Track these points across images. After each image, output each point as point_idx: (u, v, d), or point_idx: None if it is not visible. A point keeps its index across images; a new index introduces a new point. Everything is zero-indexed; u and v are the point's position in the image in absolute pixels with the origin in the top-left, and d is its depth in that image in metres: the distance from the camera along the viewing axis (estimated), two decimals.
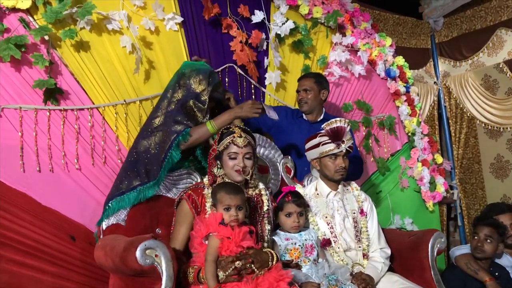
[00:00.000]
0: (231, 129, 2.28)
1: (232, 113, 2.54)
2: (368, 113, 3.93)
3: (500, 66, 4.52)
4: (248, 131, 2.31)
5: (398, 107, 4.13)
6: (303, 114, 3.24)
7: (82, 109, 2.67)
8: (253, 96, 3.34)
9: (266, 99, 3.43)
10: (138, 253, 1.84)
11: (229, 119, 2.52)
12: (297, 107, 3.36)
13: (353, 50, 3.80)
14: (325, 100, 3.27)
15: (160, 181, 2.44)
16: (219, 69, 3.19)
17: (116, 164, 2.72)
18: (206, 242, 2.04)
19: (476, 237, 2.92)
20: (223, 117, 2.53)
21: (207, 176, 2.31)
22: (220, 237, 1.99)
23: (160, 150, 2.48)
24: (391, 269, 2.68)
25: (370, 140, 3.93)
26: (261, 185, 2.41)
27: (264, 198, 2.38)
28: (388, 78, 4.06)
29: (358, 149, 3.61)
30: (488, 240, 2.88)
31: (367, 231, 2.65)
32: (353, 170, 3.05)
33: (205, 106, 2.59)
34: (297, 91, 3.26)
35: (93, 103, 2.71)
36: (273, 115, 2.55)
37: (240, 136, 2.24)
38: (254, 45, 3.29)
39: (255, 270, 1.99)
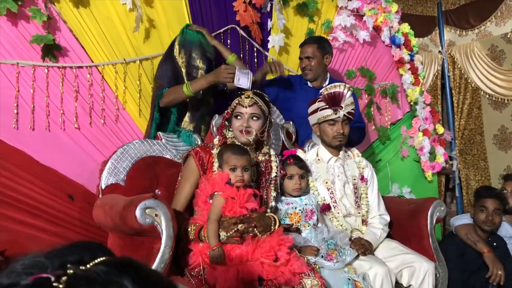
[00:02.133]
0: (243, 92, 2.25)
1: (208, 78, 2.55)
2: (371, 80, 3.88)
3: (508, 36, 4.44)
4: (261, 94, 2.27)
5: (401, 75, 4.08)
6: (308, 81, 3.18)
7: (81, 67, 2.61)
8: (255, 60, 3.28)
9: None
10: (138, 212, 1.82)
11: (205, 83, 2.53)
12: (300, 72, 3.30)
13: (358, 15, 3.72)
14: (328, 64, 3.20)
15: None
16: (221, 30, 3.11)
17: (115, 124, 2.68)
18: (211, 201, 2.03)
19: (484, 211, 2.91)
20: (199, 81, 2.56)
21: (217, 137, 2.30)
22: (225, 196, 1.99)
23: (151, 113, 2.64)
24: (389, 235, 2.69)
25: (372, 108, 3.89)
26: (272, 151, 2.39)
27: (274, 164, 2.36)
28: (393, 45, 4.00)
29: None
30: (497, 213, 2.90)
31: (366, 197, 2.64)
32: (352, 135, 3.02)
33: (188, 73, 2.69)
34: (300, 58, 3.17)
35: (92, 61, 2.65)
36: (243, 82, 2.45)
37: (247, 97, 2.20)
38: (258, 6, 3.20)
39: (258, 234, 1.99)
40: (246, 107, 2.20)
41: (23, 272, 0.50)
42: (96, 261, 0.52)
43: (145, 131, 2.73)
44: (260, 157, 2.32)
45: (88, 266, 0.51)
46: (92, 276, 0.49)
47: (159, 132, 2.54)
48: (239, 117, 2.20)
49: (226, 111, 2.30)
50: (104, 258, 0.53)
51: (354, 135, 3.12)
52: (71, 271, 0.50)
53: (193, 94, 2.54)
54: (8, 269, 0.51)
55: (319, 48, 3.12)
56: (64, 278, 0.48)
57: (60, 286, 0.48)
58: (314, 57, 3.10)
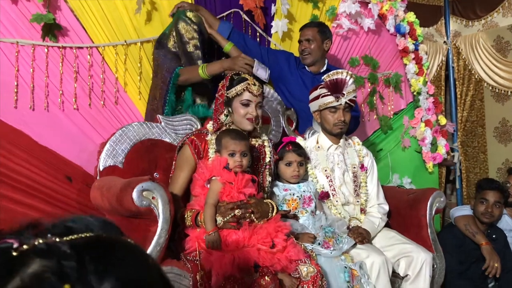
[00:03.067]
0: (242, 75, 2.21)
1: (225, 64, 2.55)
2: (375, 69, 3.84)
3: None
4: (258, 78, 2.26)
5: (405, 65, 4.04)
6: (306, 66, 3.14)
7: (82, 48, 2.59)
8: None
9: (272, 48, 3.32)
10: (134, 194, 1.81)
11: (219, 68, 2.54)
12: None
13: (363, 2, 3.66)
14: (327, 50, 3.16)
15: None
16: (224, 14, 3.07)
17: (114, 106, 2.66)
18: (208, 185, 2.01)
19: (484, 202, 2.89)
20: (215, 66, 2.56)
21: (211, 122, 2.25)
22: (223, 181, 1.98)
23: (159, 97, 2.59)
24: (388, 225, 2.68)
25: (374, 97, 3.86)
26: (264, 136, 2.38)
27: (267, 149, 2.35)
28: (398, 34, 3.95)
29: (362, 105, 3.54)
30: (497, 206, 2.88)
31: (366, 186, 2.63)
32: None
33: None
34: (299, 41, 3.12)
35: (93, 42, 2.62)
36: (261, 73, 2.46)
37: (255, 84, 2.17)
38: None
39: (254, 220, 1.98)
40: (256, 95, 2.17)
41: (4, 234, 0.52)
42: (76, 236, 0.52)
43: (145, 115, 2.71)
44: (254, 142, 2.30)
45: (64, 238, 0.51)
46: (55, 248, 0.49)
47: (159, 115, 2.52)
48: (246, 104, 2.17)
49: (219, 93, 2.25)
50: (87, 234, 0.52)
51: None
52: (39, 241, 0.50)
53: (208, 77, 2.55)
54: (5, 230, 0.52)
55: (320, 32, 3.07)
56: (25, 246, 0.49)
57: (14, 253, 0.49)
58: (314, 40, 3.05)
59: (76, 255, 0.49)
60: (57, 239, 0.51)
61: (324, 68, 3.11)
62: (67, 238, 0.51)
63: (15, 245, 0.49)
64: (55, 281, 0.46)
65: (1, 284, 0.46)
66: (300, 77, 3.07)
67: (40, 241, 0.50)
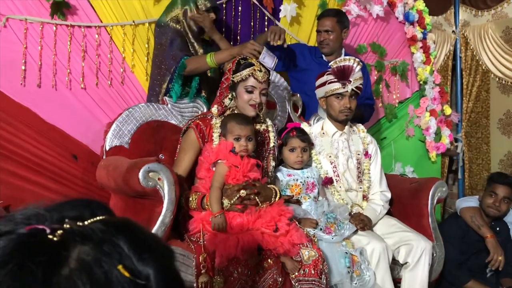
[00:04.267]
0: (249, 61, 2.20)
1: (233, 51, 2.47)
2: (382, 57, 3.82)
3: None
4: (263, 65, 2.24)
5: (413, 53, 4.02)
6: (323, 55, 3.13)
7: (90, 27, 2.58)
8: (266, 29, 3.23)
9: None
10: (140, 175, 1.83)
11: (229, 56, 2.45)
12: (312, 44, 3.25)
13: None
14: (345, 39, 3.15)
15: None
16: None
17: (121, 86, 2.67)
18: (214, 168, 2.03)
19: (493, 196, 2.88)
20: (224, 53, 2.48)
21: (215, 106, 2.26)
22: (229, 164, 2.00)
23: (162, 82, 2.57)
24: (389, 213, 2.70)
25: (380, 85, 3.85)
26: (268, 121, 2.38)
27: (271, 134, 2.36)
28: (406, 22, 3.92)
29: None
30: (506, 201, 2.87)
31: (369, 173, 2.64)
32: (362, 112, 3.01)
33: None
34: (318, 31, 3.08)
35: (101, 22, 2.62)
36: (268, 62, 2.42)
37: (261, 70, 2.16)
38: None
39: (259, 202, 2.00)
40: (261, 82, 2.16)
41: (21, 222, 0.50)
42: (95, 219, 0.52)
43: (147, 99, 2.67)
44: (258, 127, 2.31)
45: (86, 222, 0.51)
46: (88, 232, 0.49)
47: (165, 97, 2.53)
48: (250, 91, 2.16)
49: (224, 77, 2.24)
50: (103, 217, 0.53)
51: (364, 112, 3.10)
52: (68, 226, 0.49)
53: (216, 65, 2.49)
54: (7, 217, 0.51)
55: (338, 22, 3.05)
56: (59, 231, 0.48)
57: (55, 239, 0.47)
58: (333, 30, 3.03)
59: (109, 238, 0.49)
60: (85, 223, 0.51)
61: (342, 57, 3.08)
62: (88, 222, 0.51)
63: (48, 231, 0.48)
64: (107, 264, 0.46)
65: (52, 272, 0.45)
66: (317, 66, 3.05)
67: (68, 226, 0.49)
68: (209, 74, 2.72)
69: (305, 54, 3.09)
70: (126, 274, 0.47)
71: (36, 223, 0.49)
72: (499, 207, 2.85)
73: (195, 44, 2.63)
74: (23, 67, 2.39)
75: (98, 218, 0.52)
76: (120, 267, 0.47)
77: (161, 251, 0.53)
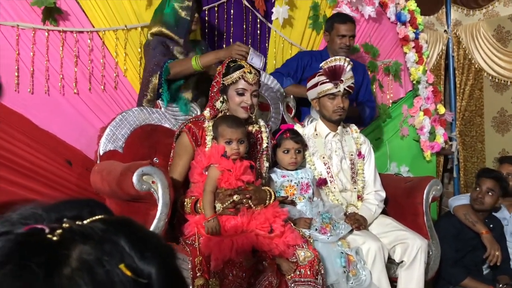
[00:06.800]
0: (239, 63, 2.20)
1: (219, 53, 2.45)
2: (375, 57, 3.84)
3: None
4: (253, 66, 2.24)
5: (405, 53, 4.04)
6: None
7: (82, 32, 2.58)
8: (258, 31, 3.25)
9: (272, 36, 3.32)
10: (134, 178, 1.83)
11: (214, 59, 2.44)
12: (304, 46, 3.25)
13: None
14: None
15: None
16: (225, 0, 3.06)
17: (114, 91, 2.67)
18: (206, 172, 2.03)
19: (478, 189, 2.90)
20: (209, 56, 2.46)
21: (207, 109, 2.26)
22: (221, 168, 1.99)
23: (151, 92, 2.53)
24: (384, 212, 2.71)
25: (374, 86, 3.86)
26: (261, 122, 2.38)
27: (264, 135, 2.35)
28: (398, 23, 3.95)
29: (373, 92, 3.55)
30: (490, 193, 2.87)
31: (363, 173, 2.65)
32: (364, 115, 3.02)
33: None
34: (341, 36, 3.04)
35: (93, 27, 2.62)
36: (256, 62, 2.39)
37: (250, 72, 2.15)
38: None
39: (252, 206, 2.00)
40: (251, 84, 2.16)
41: (18, 222, 0.49)
42: (94, 218, 0.51)
43: (137, 102, 2.66)
44: (250, 128, 2.31)
45: (85, 222, 0.50)
46: (88, 232, 0.48)
47: (159, 101, 2.53)
48: (241, 93, 2.16)
49: (215, 81, 2.24)
50: (102, 216, 0.52)
51: (363, 113, 3.12)
52: (67, 225, 0.49)
53: (202, 68, 2.45)
54: (3, 217, 0.50)
55: (355, 27, 3.10)
56: (59, 231, 0.47)
57: (54, 238, 0.47)
58: (354, 36, 3.09)
59: (110, 237, 0.48)
60: (84, 222, 0.50)
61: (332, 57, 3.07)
62: (87, 221, 0.50)
63: (47, 230, 0.47)
64: (109, 264, 0.46)
65: (53, 272, 0.44)
66: None
67: (67, 225, 0.49)
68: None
69: (304, 60, 3.09)
70: (128, 273, 0.47)
71: (35, 223, 0.49)
72: (482, 199, 2.86)
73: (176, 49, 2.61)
74: (16, 74, 2.39)
75: (97, 217, 0.52)
76: (121, 266, 0.46)
77: (162, 249, 0.53)
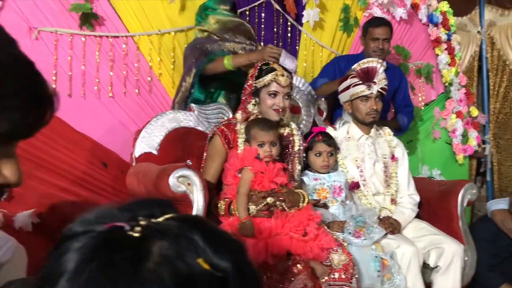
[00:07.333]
0: (271, 66, 2.20)
1: (251, 57, 2.46)
2: (406, 59, 3.80)
3: None
4: (286, 69, 2.24)
5: (437, 55, 3.97)
6: None
7: (117, 37, 2.64)
8: (289, 34, 3.25)
9: (302, 38, 3.32)
10: (171, 180, 1.86)
11: (246, 61, 2.45)
12: (335, 48, 3.24)
13: None
14: None
15: None
16: (256, 4, 3.09)
17: (149, 95, 2.72)
18: (240, 175, 2.04)
19: None
20: (241, 58, 2.49)
21: (239, 112, 2.28)
22: (254, 171, 2.00)
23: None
24: (418, 216, 2.67)
25: None
26: (293, 125, 2.38)
27: (296, 137, 2.35)
28: (430, 24, 3.89)
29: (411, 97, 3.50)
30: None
31: (396, 176, 2.61)
32: (402, 121, 2.99)
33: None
34: (375, 39, 3.02)
35: (128, 31, 2.67)
36: (288, 64, 2.39)
37: (283, 75, 2.16)
38: None
39: (286, 208, 2.00)
40: (283, 86, 2.17)
41: (96, 221, 0.51)
42: (167, 216, 0.53)
43: (172, 101, 2.71)
44: (282, 130, 2.32)
45: (159, 219, 0.52)
46: (164, 229, 0.50)
47: (192, 104, 2.56)
48: (274, 96, 2.17)
49: (247, 84, 2.25)
50: (173, 214, 0.54)
51: (401, 121, 3.10)
52: (144, 223, 0.51)
53: (233, 68, 2.47)
54: (79, 218, 0.53)
55: (391, 31, 3.09)
56: (138, 228, 0.49)
57: (135, 235, 0.49)
58: (389, 39, 3.07)
59: (185, 233, 0.50)
60: (159, 220, 0.52)
61: (386, 65, 2.82)
62: (162, 219, 0.52)
63: (127, 228, 0.49)
64: (188, 258, 0.47)
65: (139, 266, 0.46)
66: None
67: (144, 222, 0.51)
68: None
69: (340, 65, 3.07)
70: (206, 266, 0.48)
71: (111, 222, 0.51)
72: None
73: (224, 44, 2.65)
74: (53, 78, 2.45)
75: (170, 215, 0.54)
76: (200, 260, 0.48)
77: (234, 244, 0.54)
